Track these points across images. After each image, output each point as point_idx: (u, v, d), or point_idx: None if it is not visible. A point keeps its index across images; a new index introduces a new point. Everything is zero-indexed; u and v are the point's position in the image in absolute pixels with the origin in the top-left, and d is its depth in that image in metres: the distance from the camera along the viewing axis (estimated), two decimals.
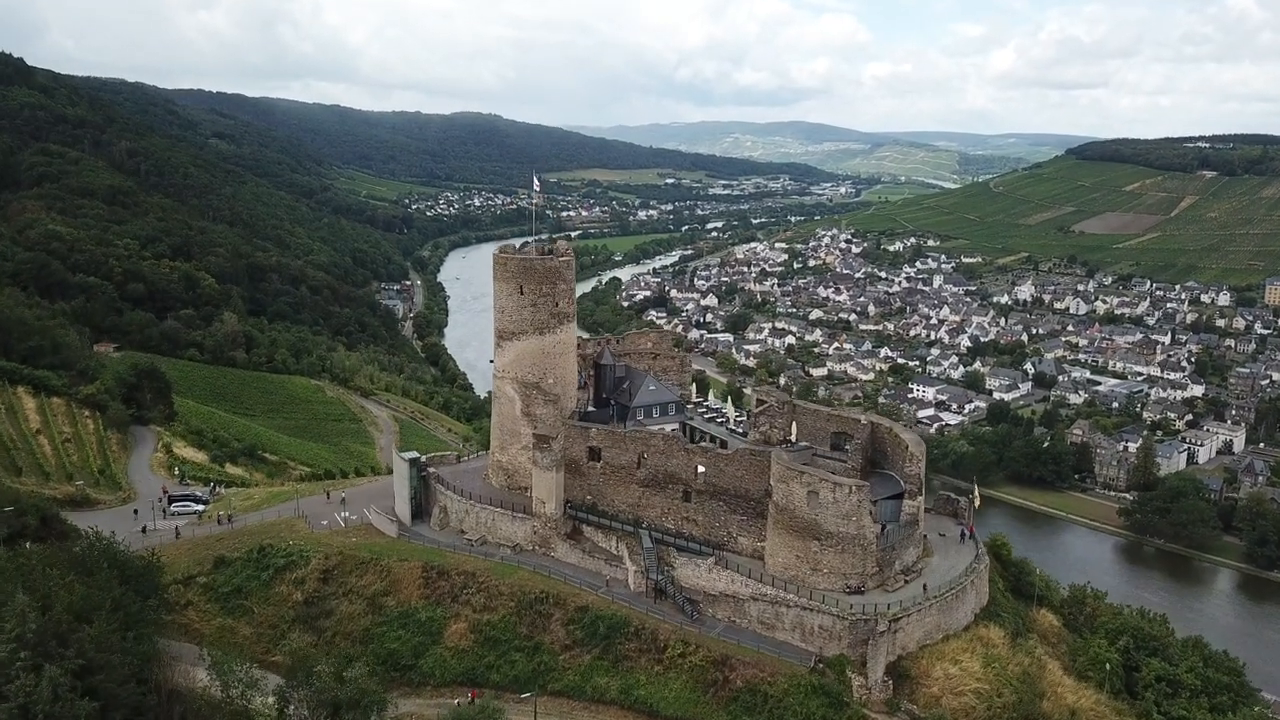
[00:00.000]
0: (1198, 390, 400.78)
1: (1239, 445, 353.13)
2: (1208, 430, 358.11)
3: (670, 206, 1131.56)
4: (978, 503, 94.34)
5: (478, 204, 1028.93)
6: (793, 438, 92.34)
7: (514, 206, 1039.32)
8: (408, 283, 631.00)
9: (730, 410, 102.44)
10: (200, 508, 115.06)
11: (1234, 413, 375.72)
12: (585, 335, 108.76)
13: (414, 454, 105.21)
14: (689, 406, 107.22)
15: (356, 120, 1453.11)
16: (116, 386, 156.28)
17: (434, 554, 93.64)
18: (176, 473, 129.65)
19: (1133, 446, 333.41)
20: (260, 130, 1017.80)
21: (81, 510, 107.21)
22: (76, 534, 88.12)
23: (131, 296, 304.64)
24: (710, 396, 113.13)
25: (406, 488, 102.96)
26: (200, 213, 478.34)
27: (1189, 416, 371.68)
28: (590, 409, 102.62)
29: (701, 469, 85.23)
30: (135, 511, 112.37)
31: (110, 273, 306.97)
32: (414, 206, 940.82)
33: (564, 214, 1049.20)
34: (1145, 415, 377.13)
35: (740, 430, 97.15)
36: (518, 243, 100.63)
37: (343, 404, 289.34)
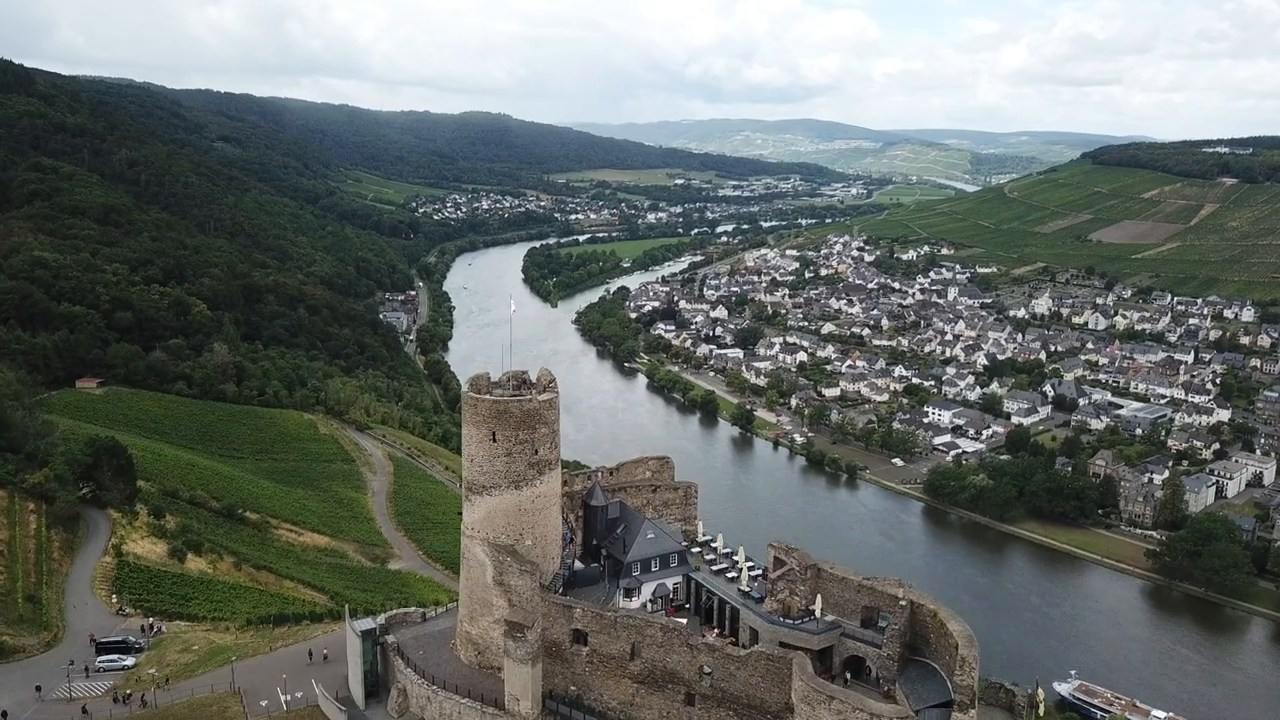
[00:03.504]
0: (1224, 415, 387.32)
1: (1269, 477, 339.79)
2: (1237, 461, 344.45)
3: (679, 209, 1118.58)
4: (1041, 708, 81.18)
5: (485, 207, 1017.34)
6: (816, 609, 79.07)
7: (522, 210, 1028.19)
8: (412, 292, 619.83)
9: (743, 561, 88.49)
10: (131, 661, 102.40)
11: (1263, 441, 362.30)
12: (573, 467, 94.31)
13: (369, 623, 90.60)
14: (695, 550, 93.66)
15: (366, 120, 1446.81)
16: (69, 470, 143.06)
17: None
18: (115, 601, 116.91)
19: (1158, 478, 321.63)
20: (268, 132, 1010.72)
21: None
22: None
23: (119, 326, 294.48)
24: (720, 540, 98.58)
25: (360, 664, 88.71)
26: (200, 225, 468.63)
27: (1216, 445, 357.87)
28: (578, 565, 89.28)
29: (707, 670, 72.01)
30: (38, 688, 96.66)
31: (97, 300, 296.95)
32: (421, 210, 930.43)
33: (572, 217, 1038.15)
34: (1170, 443, 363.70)
35: (755, 593, 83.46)
36: (492, 373, 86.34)
37: (336, 441, 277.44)
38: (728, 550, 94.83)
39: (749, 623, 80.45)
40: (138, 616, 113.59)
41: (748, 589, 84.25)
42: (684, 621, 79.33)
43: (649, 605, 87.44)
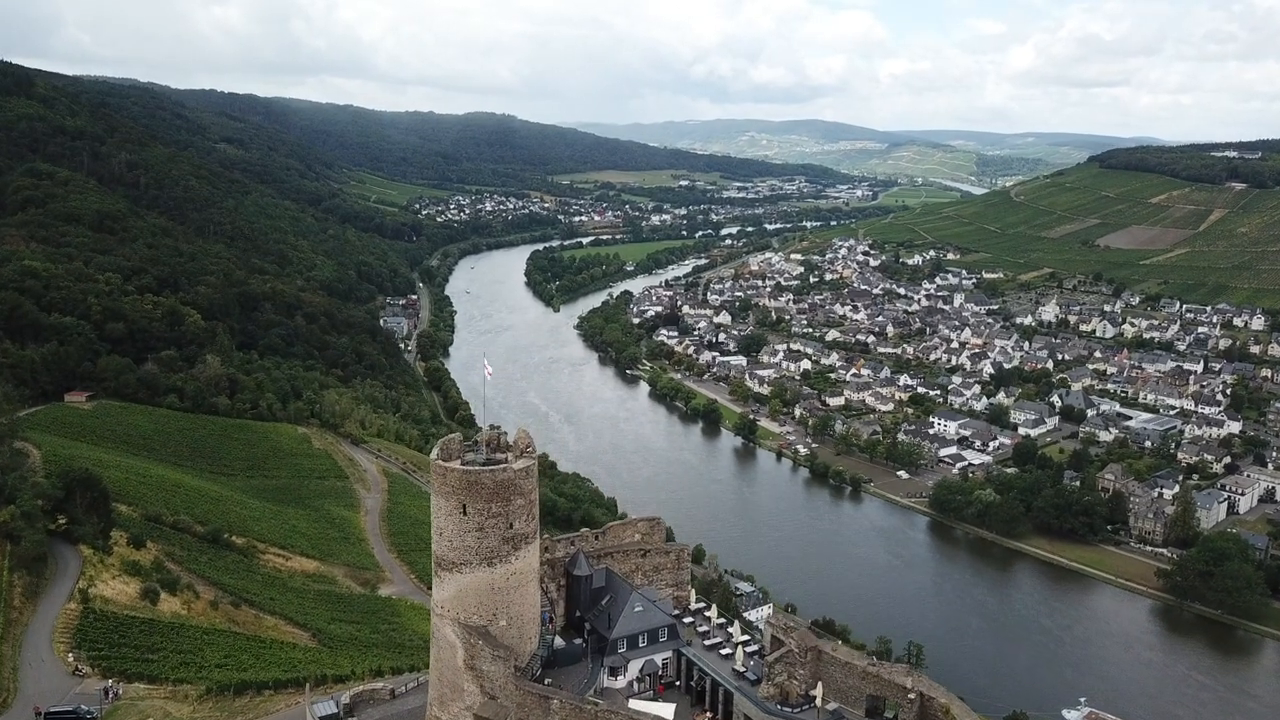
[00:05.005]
0: (1234, 427, 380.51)
1: None
2: (1248, 476, 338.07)
3: (684, 211, 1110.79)
4: None
5: (489, 209, 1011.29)
6: (817, 696, 73.10)
7: (525, 211, 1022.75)
8: (414, 296, 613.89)
9: (739, 636, 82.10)
10: None
11: (1275, 454, 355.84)
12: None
13: (330, 706, 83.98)
14: (687, 621, 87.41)
15: (370, 121, 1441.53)
16: (38, 505, 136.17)
17: None
18: (71, 659, 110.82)
19: (1168, 493, 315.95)
20: (271, 134, 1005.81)
21: None
22: None
23: (110, 337, 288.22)
24: (713, 611, 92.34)
25: None
26: (199, 229, 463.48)
27: (1227, 459, 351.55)
28: (559, 641, 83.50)
29: None
30: None
31: (89, 311, 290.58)
32: (424, 212, 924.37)
33: (576, 219, 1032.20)
34: (1180, 456, 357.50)
35: (751, 673, 77.17)
36: (466, 434, 79.76)
37: (329, 457, 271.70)
38: (721, 621, 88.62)
39: (743, 709, 74.33)
40: (95, 677, 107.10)
41: (743, 669, 78.29)
42: (673, 707, 73.59)
43: (636, 684, 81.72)
